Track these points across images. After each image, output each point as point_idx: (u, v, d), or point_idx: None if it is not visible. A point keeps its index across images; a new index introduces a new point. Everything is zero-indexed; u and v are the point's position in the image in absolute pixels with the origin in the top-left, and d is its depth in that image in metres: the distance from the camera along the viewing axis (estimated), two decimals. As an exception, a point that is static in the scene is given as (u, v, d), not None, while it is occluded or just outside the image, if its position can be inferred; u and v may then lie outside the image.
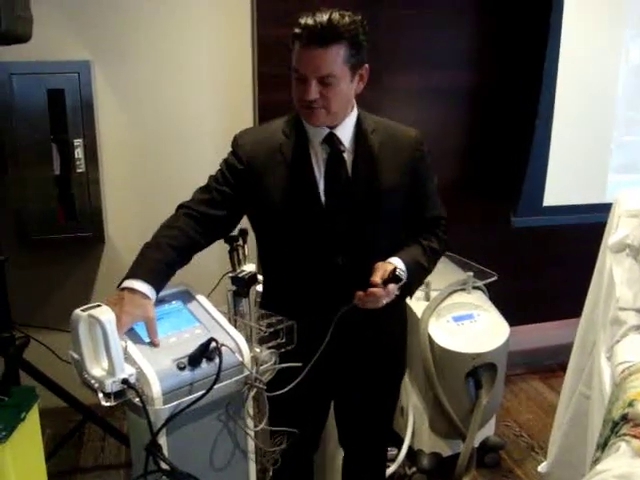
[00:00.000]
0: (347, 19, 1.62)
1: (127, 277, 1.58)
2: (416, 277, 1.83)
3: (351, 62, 1.65)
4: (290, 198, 1.77)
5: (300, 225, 1.78)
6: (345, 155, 1.78)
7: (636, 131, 3.56)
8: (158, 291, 1.60)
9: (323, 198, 1.77)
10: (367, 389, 1.95)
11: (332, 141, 1.76)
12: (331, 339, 1.70)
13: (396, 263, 1.74)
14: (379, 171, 1.78)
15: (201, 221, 1.75)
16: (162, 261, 1.64)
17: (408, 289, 1.82)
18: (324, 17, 1.60)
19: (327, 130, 1.76)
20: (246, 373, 1.56)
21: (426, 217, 1.89)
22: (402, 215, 1.85)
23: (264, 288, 1.97)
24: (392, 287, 1.67)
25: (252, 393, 1.58)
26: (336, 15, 1.61)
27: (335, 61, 1.62)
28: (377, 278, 1.66)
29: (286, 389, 1.59)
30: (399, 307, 1.95)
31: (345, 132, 1.77)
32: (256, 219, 1.87)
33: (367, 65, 1.72)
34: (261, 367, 1.58)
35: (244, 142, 1.82)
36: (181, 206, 1.80)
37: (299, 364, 1.63)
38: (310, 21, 1.60)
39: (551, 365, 3.76)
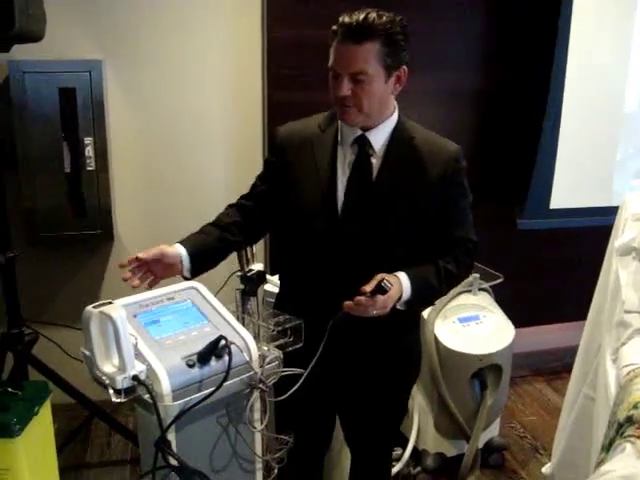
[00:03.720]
0: (385, 18, 1.62)
1: None
2: (421, 295, 1.75)
3: (386, 62, 1.64)
4: (309, 193, 1.77)
5: (315, 221, 1.77)
6: (373, 160, 1.75)
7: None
8: (187, 245, 1.75)
9: (342, 199, 1.75)
10: (373, 396, 1.92)
11: (362, 143, 1.75)
12: (338, 345, 1.69)
13: (400, 277, 1.70)
14: (407, 181, 1.74)
15: (241, 211, 1.88)
16: (196, 231, 1.83)
17: (412, 306, 1.77)
18: (361, 15, 1.61)
19: (359, 132, 1.74)
20: (253, 372, 1.57)
21: (451, 237, 1.80)
22: (425, 230, 1.78)
23: (280, 288, 1.98)
24: (380, 298, 1.61)
25: (256, 394, 1.59)
26: (373, 14, 1.61)
27: (367, 59, 1.62)
28: (367, 287, 1.61)
29: (288, 394, 1.59)
30: (410, 320, 1.91)
31: (378, 136, 1.75)
32: (281, 209, 1.86)
33: (405, 67, 1.70)
34: (267, 366, 1.59)
35: (281, 133, 1.86)
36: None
37: (302, 370, 1.62)
38: (347, 19, 1.62)
39: (556, 367, 3.77)
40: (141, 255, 1.64)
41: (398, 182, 1.74)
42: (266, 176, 1.90)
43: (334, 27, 1.64)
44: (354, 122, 1.72)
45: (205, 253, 1.77)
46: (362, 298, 1.60)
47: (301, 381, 1.60)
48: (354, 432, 2.06)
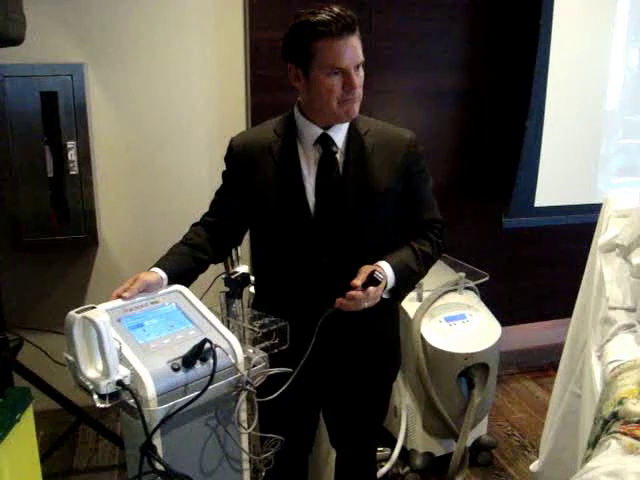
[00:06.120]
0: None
1: None
2: (404, 281, 1.78)
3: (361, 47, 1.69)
4: (278, 198, 1.77)
5: (289, 225, 1.78)
6: (337, 156, 1.77)
7: (636, 134, 3.57)
8: (165, 267, 1.70)
9: (313, 199, 1.76)
10: (355, 391, 1.93)
11: (325, 142, 1.76)
12: (321, 342, 1.68)
13: (382, 266, 1.72)
14: (371, 173, 1.77)
15: (208, 229, 1.86)
16: (168, 252, 1.79)
17: (396, 293, 1.80)
18: (336, 9, 1.61)
19: (321, 131, 1.75)
20: (239, 375, 1.56)
21: (419, 220, 1.86)
22: (395, 218, 1.83)
23: (256, 290, 1.98)
24: (372, 290, 1.64)
25: (243, 396, 1.59)
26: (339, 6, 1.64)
27: (360, 46, 1.66)
28: (358, 281, 1.63)
29: (276, 394, 1.58)
30: (390, 310, 1.94)
31: (339, 133, 1.77)
32: (250, 219, 1.88)
33: None
34: (253, 368, 1.58)
35: (237, 143, 1.84)
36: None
37: (290, 370, 1.62)
38: (327, 16, 1.60)
39: (542, 364, 3.79)
40: (126, 295, 1.58)
41: (364, 175, 1.77)
42: (226, 189, 1.88)
43: (320, 28, 1.60)
44: (356, 114, 1.73)
45: (181, 275, 1.74)
46: (355, 292, 1.62)
47: (290, 380, 1.60)
48: (338, 430, 2.07)
